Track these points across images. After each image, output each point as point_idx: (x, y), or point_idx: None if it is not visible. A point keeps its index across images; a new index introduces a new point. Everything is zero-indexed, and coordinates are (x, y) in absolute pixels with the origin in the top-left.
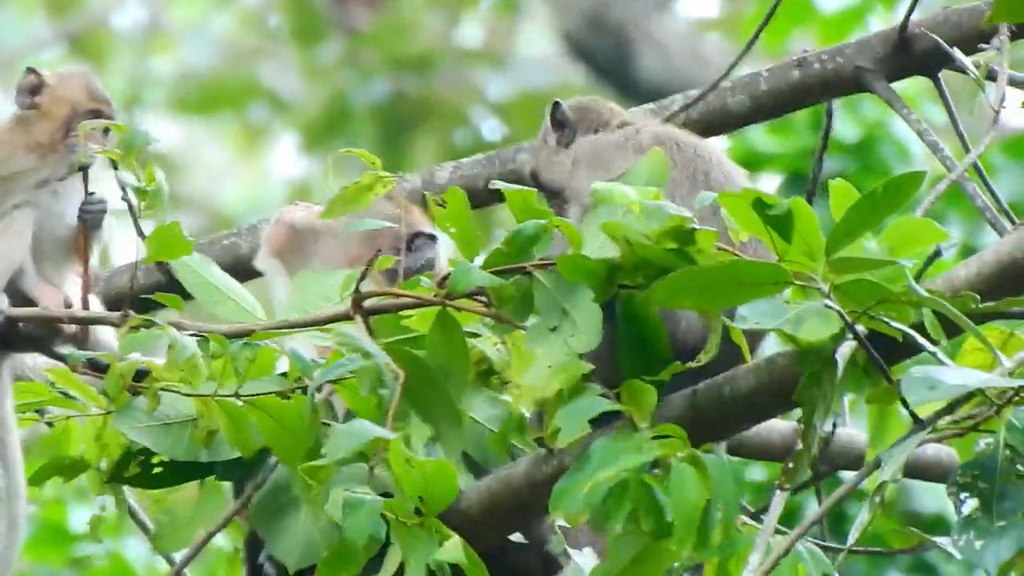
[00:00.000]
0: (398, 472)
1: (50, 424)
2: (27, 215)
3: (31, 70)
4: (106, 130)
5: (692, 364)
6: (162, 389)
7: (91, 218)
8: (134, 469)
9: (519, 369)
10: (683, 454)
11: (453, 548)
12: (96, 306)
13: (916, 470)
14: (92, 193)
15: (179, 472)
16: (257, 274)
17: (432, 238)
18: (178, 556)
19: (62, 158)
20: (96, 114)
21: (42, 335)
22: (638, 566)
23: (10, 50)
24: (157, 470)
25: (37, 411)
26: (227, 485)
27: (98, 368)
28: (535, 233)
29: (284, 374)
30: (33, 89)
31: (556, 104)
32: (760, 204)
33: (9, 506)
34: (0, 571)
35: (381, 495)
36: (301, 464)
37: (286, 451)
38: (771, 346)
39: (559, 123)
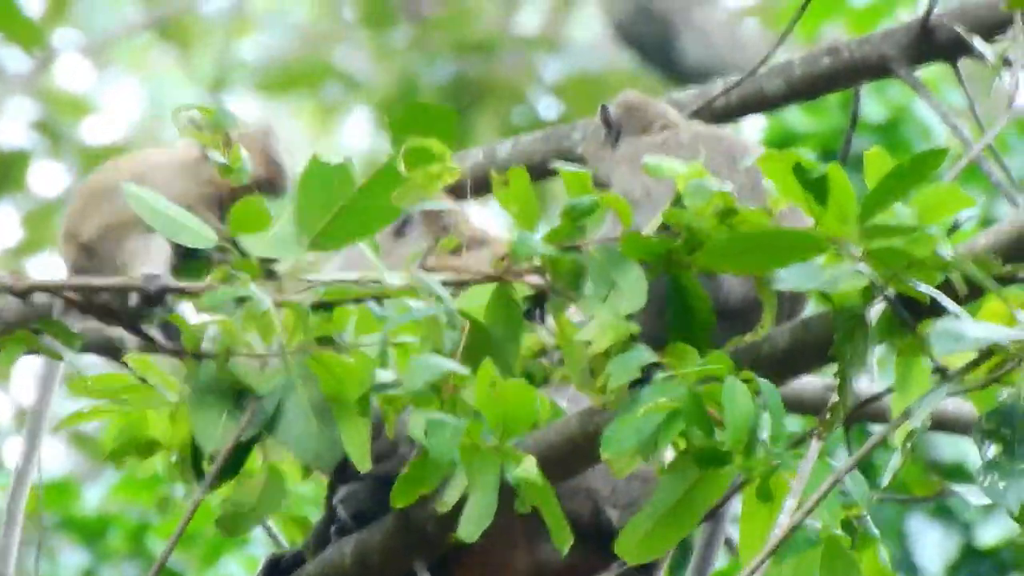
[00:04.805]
0: (480, 395)
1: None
2: None
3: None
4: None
5: (748, 337)
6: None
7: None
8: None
9: (568, 339)
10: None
11: (530, 466)
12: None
13: (940, 423)
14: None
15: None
16: None
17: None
18: None
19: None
20: (270, 184)
21: (121, 307)
22: (688, 499)
23: (101, 35)
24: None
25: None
26: (291, 472)
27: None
28: (589, 207)
29: None
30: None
31: (603, 107)
32: (799, 168)
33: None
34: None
35: None
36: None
37: (341, 408)
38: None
39: (607, 122)
